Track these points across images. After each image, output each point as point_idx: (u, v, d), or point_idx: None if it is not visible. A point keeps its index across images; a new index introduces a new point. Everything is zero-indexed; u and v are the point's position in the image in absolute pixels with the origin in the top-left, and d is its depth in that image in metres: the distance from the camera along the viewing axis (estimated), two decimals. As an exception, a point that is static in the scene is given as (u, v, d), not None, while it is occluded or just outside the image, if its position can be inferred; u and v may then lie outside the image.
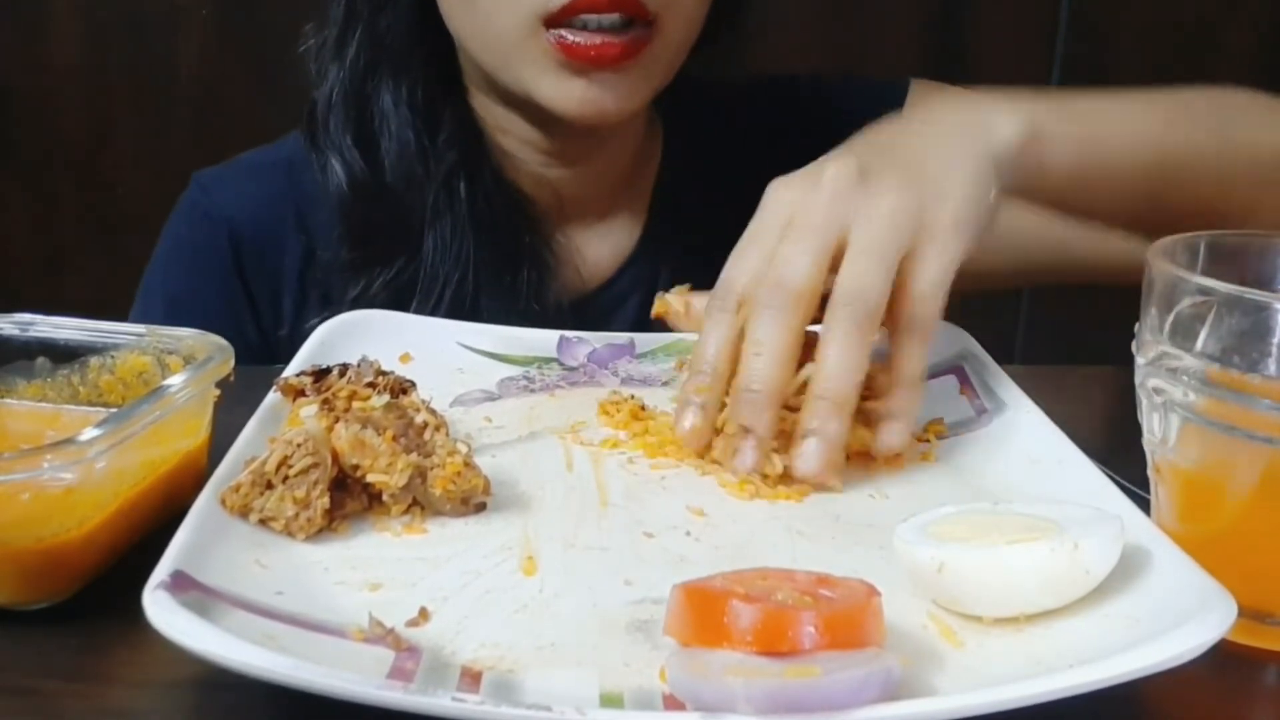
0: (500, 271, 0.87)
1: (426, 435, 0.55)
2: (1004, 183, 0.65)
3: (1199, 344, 0.50)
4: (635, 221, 0.95)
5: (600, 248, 0.94)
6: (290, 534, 0.51)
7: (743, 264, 0.61)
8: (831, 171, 0.60)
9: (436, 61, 0.87)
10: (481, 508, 0.55)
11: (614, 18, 0.75)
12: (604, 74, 0.78)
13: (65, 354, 0.60)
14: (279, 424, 0.58)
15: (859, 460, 0.61)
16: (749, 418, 0.57)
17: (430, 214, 0.86)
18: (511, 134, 0.89)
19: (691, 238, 0.91)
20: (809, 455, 0.56)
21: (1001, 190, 0.64)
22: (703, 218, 0.89)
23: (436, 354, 0.73)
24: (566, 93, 0.79)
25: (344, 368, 0.61)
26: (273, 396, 0.61)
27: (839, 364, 0.57)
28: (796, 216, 0.60)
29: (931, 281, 0.59)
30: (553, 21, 0.76)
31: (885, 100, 0.92)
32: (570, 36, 0.76)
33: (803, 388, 0.58)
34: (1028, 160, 0.66)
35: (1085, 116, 0.71)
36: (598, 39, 0.75)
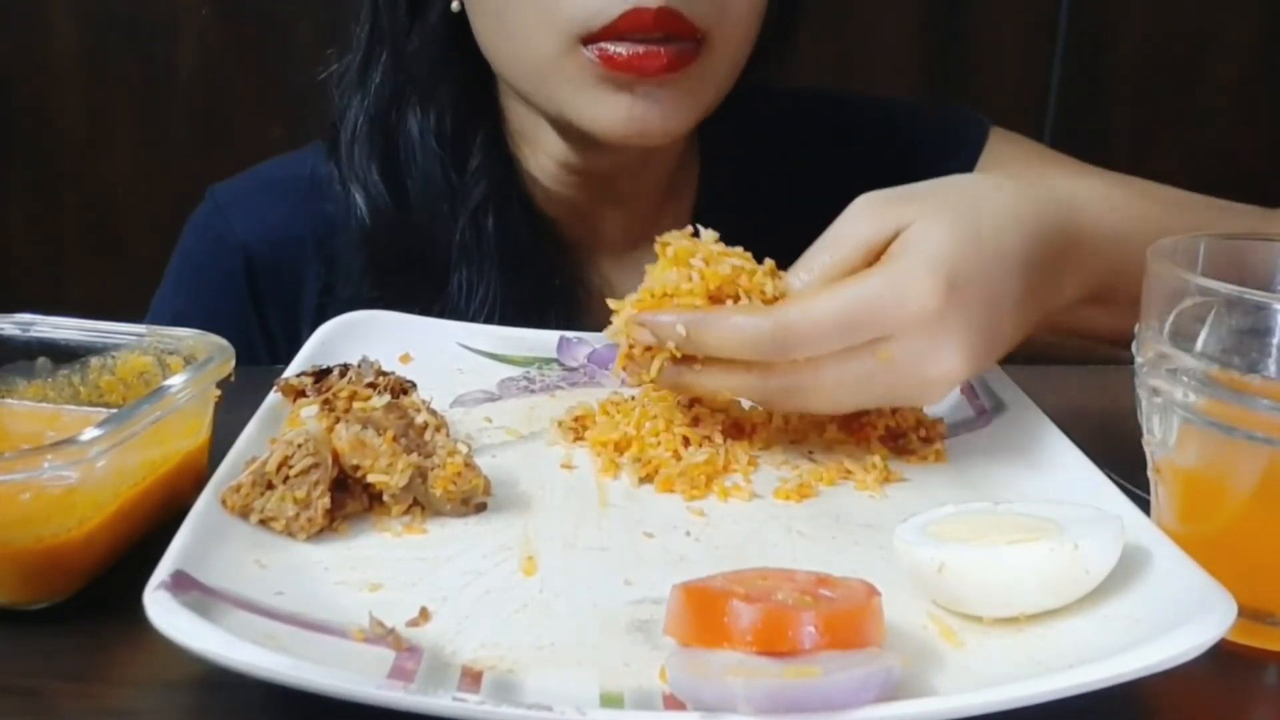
0: (528, 312, 0.83)
1: (427, 435, 0.55)
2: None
3: (1199, 344, 0.50)
4: None
5: (634, 282, 0.90)
6: (291, 534, 0.51)
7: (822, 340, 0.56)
8: (924, 290, 0.55)
9: (467, 85, 0.84)
10: (482, 508, 0.55)
11: (658, 37, 0.71)
12: (648, 88, 0.73)
13: (66, 354, 0.60)
14: (279, 424, 0.58)
15: (859, 462, 0.61)
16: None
17: (457, 253, 0.83)
18: (545, 152, 0.85)
19: None
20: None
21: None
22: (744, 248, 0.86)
23: (437, 354, 0.73)
24: (609, 111, 0.74)
25: (344, 368, 0.61)
26: (273, 397, 0.61)
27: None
28: (866, 315, 0.55)
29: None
30: (592, 39, 0.72)
31: (962, 139, 0.90)
32: (612, 48, 0.71)
33: None
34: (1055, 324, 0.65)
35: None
36: (640, 48, 0.71)
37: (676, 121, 0.76)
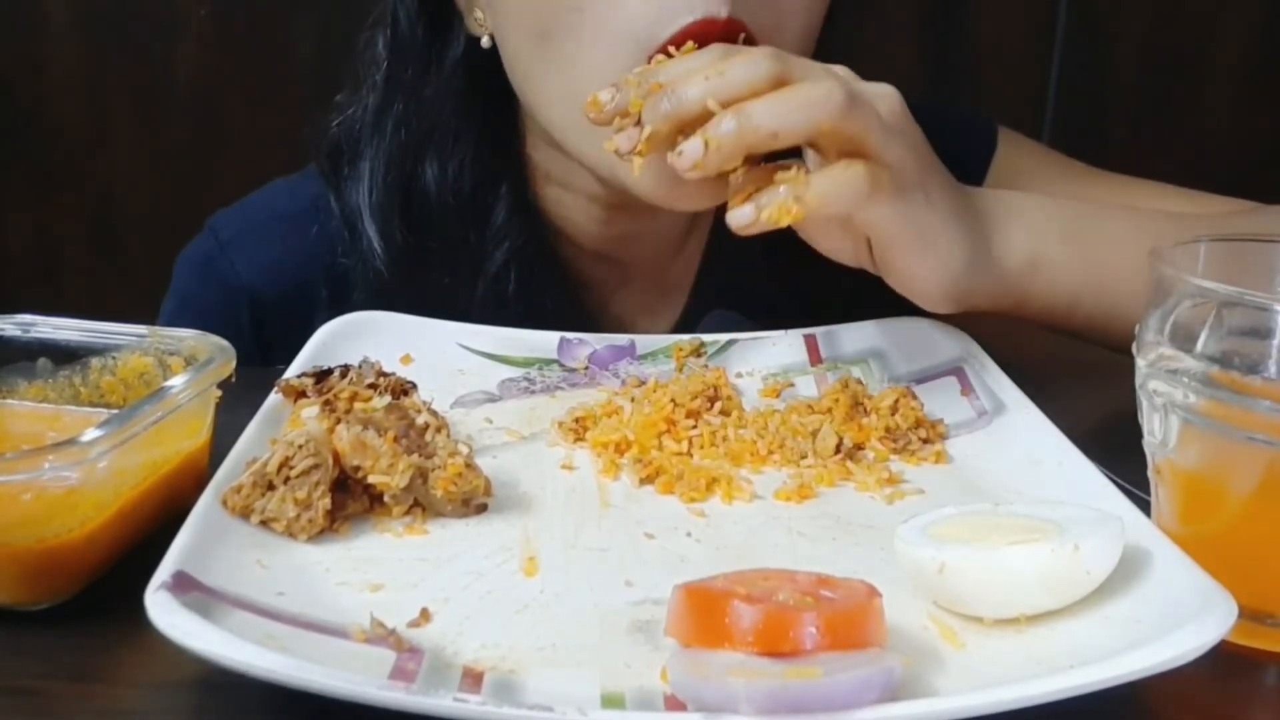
0: None
1: (428, 436, 0.56)
2: (988, 298, 0.67)
3: (1199, 345, 0.50)
4: (686, 281, 0.88)
5: (653, 319, 0.87)
6: (292, 535, 0.51)
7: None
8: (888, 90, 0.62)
9: (489, 130, 0.81)
10: (482, 509, 0.55)
11: None
12: None
13: (66, 355, 0.60)
14: (280, 425, 0.58)
15: (859, 463, 0.61)
16: (648, 110, 0.58)
17: (477, 310, 0.79)
18: (576, 190, 0.82)
19: (748, 293, 0.85)
20: (690, 151, 0.56)
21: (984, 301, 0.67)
22: (763, 272, 0.84)
23: (437, 355, 0.73)
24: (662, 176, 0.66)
25: (345, 369, 0.61)
26: (274, 398, 0.61)
27: (778, 102, 0.56)
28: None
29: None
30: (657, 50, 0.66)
31: (973, 141, 0.91)
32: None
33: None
34: (1013, 289, 0.69)
35: (1097, 259, 0.70)
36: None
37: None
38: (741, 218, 0.57)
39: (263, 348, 0.84)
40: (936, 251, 0.64)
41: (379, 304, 0.77)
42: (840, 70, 0.62)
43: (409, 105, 0.81)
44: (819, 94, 0.56)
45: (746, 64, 0.57)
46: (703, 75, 0.57)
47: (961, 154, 0.90)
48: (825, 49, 0.80)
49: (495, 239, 0.81)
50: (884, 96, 0.62)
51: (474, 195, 0.81)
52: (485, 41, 0.78)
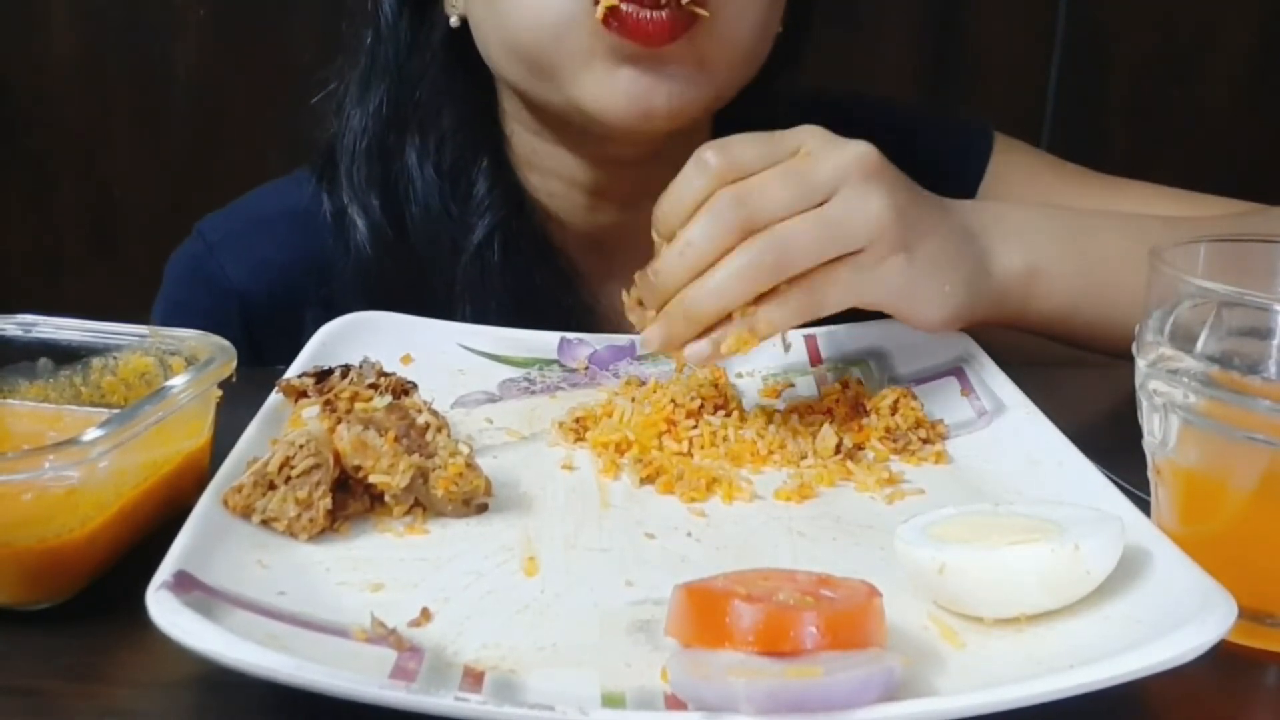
0: None
1: (428, 436, 0.56)
2: (988, 313, 0.69)
3: (1199, 346, 0.50)
4: None
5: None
6: (292, 534, 0.51)
7: (748, 150, 0.61)
8: (860, 150, 0.62)
9: (469, 110, 0.82)
10: (483, 509, 0.55)
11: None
12: (653, 64, 0.71)
13: (67, 355, 0.60)
14: (281, 425, 0.58)
15: (859, 463, 0.61)
16: (645, 295, 0.62)
17: (460, 288, 0.81)
18: (555, 174, 0.83)
19: None
20: (650, 339, 0.61)
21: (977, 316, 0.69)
22: None
23: (438, 355, 0.73)
24: (611, 88, 0.71)
25: (346, 369, 0.61)
26: (275, 398, 0.61)
27: (720, 282, 0.58)
28: (807, 160, 0.61)
29: (854, 290, 0.61)
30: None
31: (969, 146, 0.92)
32: (622, 6, 0.69)
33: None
34: (1012, 300, 0.70)
35: (1094, 265, 0.71)
36: (648, 14, 0.69)
37: (681, 99, 0.73)
38: (696, 352, 0.60)
39: (255, 348, 0.84)
40: (927, 300, 0.65)
41: (363, 281, 0.78)
42: (811, 137, 0.63)
43: (391, 84, 0.83)
44: (748, 263, 0.58)
45: (705, 226, 0.59)
46: (677, 252, 0.60)
47: (957, 159, 0.90)
48: (826, 54, 0.80)
49: (477, 211, 0.82)
50: (853, 161, 0.62)
51: (454, 170, 0.82)
52: (454, 21, 0.80)
